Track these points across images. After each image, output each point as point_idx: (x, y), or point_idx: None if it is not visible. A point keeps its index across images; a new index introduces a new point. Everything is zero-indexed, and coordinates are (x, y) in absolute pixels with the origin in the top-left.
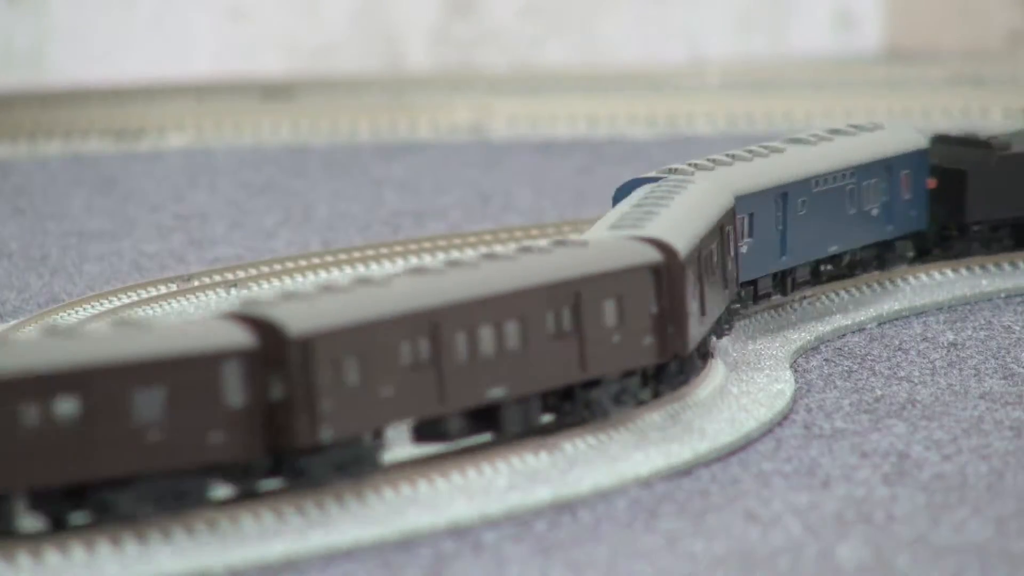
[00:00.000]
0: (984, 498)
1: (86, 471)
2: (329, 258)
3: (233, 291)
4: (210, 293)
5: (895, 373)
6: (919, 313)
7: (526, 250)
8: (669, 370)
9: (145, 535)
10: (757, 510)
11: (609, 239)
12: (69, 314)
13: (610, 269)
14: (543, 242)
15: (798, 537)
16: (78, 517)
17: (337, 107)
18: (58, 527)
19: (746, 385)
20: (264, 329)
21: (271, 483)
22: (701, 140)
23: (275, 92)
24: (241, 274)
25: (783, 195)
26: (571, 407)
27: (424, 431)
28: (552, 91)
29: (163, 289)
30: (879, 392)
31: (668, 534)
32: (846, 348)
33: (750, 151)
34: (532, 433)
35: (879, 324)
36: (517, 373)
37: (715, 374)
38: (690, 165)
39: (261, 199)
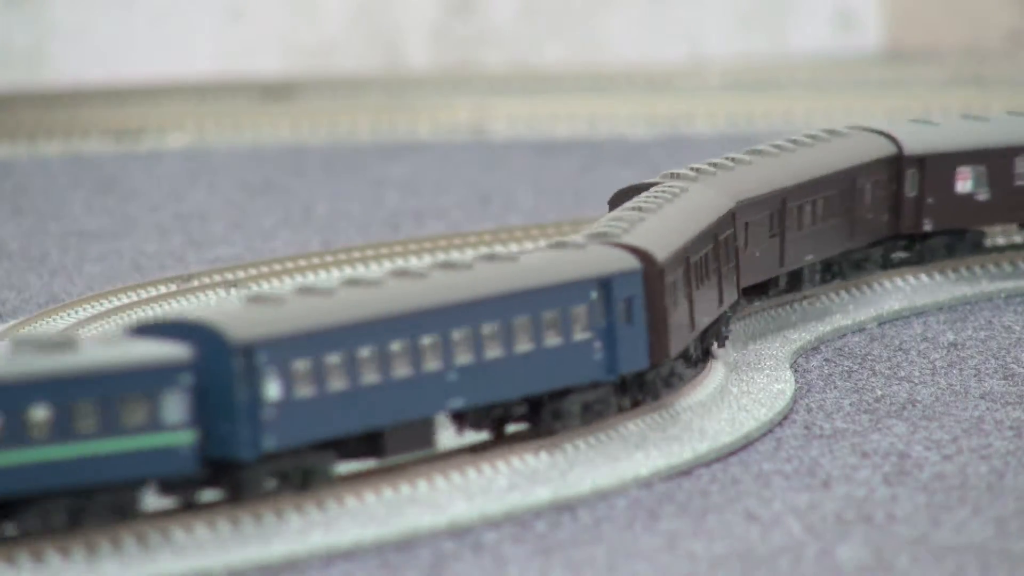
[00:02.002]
0: (984, 498)
1: None
2: (329, 258)
3: (233, 291)
4: (210, 293)
5: (895, 373)
6: (919, 313)
7: (814, 138)
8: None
9: (145, 535)
10: (757, 510)
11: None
12: (69, 314)
13: (866, 160)
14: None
15: (798, 537)
16: None
17: (337, 107)
18: None
19: (746, 385)
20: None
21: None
22: (701, 140)
23: (275, 92)
24: (241, 274)
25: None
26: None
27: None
28: (552, 91)
29: (163, 289)
30: (879, 392)
31: (668, 534)
32: (846, 348)
33: None
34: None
35: (879, 324)
36: (822, 244)
37: (715, 374)
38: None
39: (261, 199)
